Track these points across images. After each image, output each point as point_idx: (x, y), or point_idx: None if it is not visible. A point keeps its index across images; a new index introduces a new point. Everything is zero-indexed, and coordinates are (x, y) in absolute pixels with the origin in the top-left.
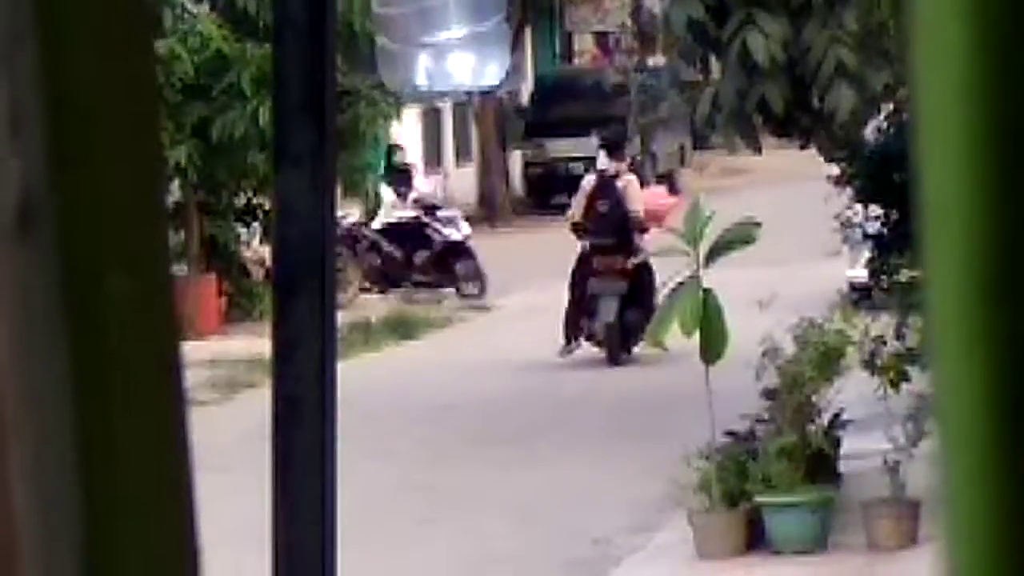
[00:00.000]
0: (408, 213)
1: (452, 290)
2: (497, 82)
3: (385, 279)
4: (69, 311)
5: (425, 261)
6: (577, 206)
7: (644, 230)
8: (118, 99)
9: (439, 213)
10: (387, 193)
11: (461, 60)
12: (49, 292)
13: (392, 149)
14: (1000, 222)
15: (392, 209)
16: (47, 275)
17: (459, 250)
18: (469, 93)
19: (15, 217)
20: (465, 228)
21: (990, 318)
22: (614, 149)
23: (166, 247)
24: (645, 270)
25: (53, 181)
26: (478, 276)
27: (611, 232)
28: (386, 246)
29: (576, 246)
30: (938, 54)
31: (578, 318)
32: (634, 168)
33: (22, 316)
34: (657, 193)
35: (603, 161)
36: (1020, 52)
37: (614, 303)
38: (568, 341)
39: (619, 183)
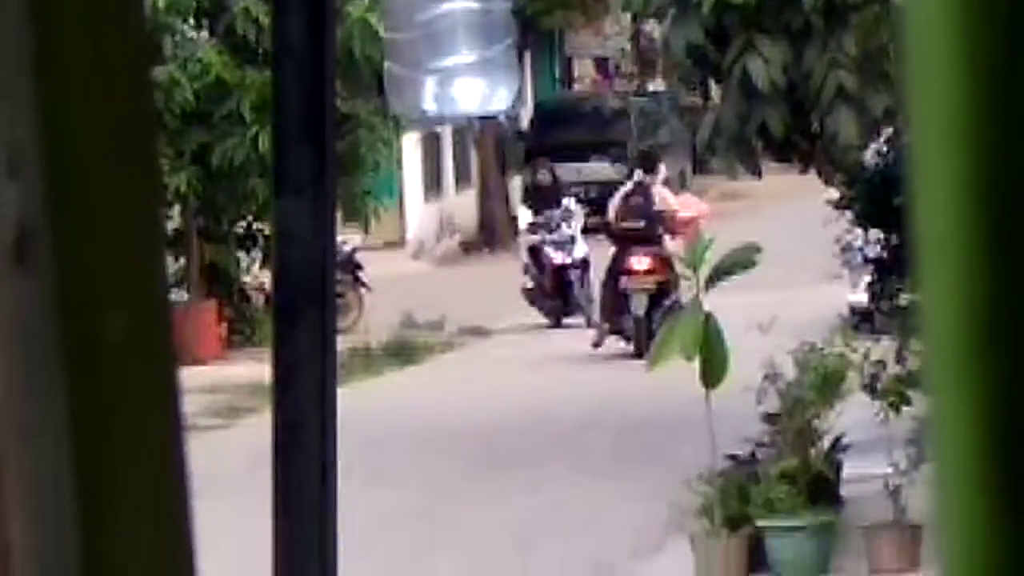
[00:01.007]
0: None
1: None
2: (506, 107)
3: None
4: (66, 345)
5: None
6: (612, 209)
7: (673, 232)
8: (115, 136)
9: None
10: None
11: (469, 85)
12: (46, 326)
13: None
14: (994, 258)
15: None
16: (44, 309)
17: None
18: (470, 118)
19: (12, 252)
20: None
21: (984, 354)
22: (648, 165)
23: (163, 280)
24: (671, 269)
25: (50, 216)
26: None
27: (642, 225)
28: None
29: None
30: (931, 91)
31: (610, 314)
32: (667, 183)
33: (19, 350)
34: (690, 200)
35: (638, 175)
36: (1013, 90)
37: (643, 299)
38: (599, 340)
39: (653, 189)
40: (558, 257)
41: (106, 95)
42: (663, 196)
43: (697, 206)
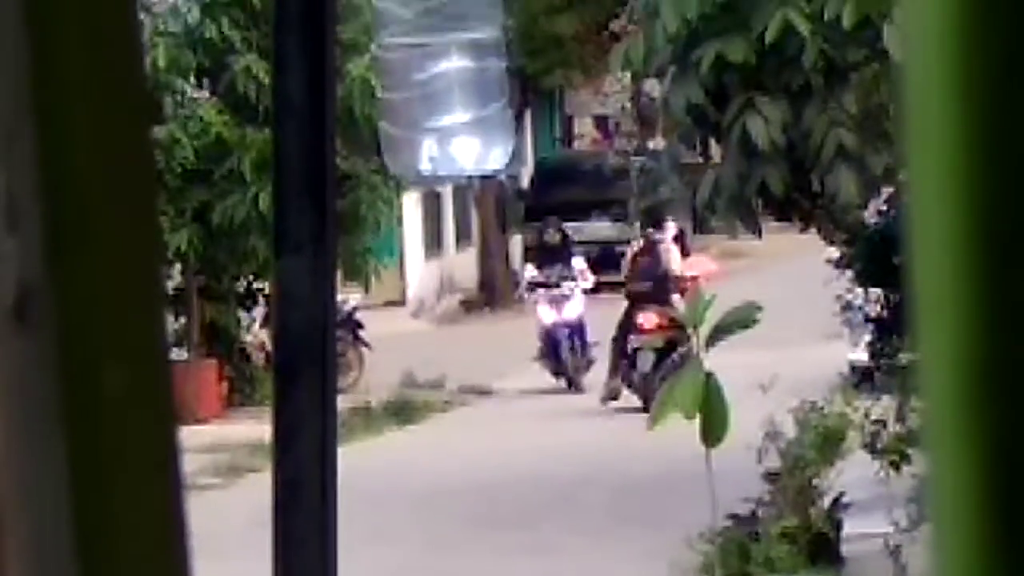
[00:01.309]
0: None
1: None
2: (501, 167)
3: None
4: (66, 402)
5: None
6: (624, 268)
7: (682, 291)
8: (115, 191)
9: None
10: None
11: (465, 145)
12: (46, 384)
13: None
14: (992, 314)
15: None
16: (44, 366)
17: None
18: (470, 177)
19: (12, 307)
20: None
21: (983, 410)
22: (657, 222)
23: (164, 337)
24: (680, 327)
25: (50, 272)
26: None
27: (650, 286)
28: None
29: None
30: (929, 148)
31: (617, 370)
32: (677, 239)
33: (19, 407)
34: (699, 261)
35: (646, 233)
36: (1010, 149)
37: (650, 356)
38: (611, 396)
39: (661, 248)
40: (548, 316)
41: (107, 148)
42: (671, 257)
43: (706, 266)
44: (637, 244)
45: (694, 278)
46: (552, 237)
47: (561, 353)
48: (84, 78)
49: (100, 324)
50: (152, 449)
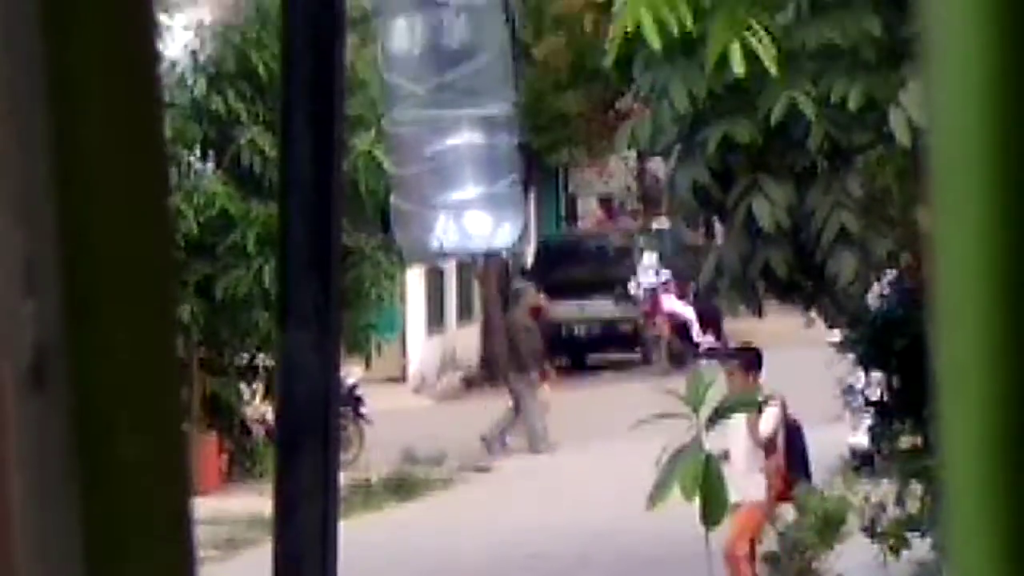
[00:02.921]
0: None
1: None
2: (512, 243)
3: None
4: (81, 466)
5: None
6: None
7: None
8: (134, 258)
9: None
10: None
11: (476, 221)
12: (62, 446)
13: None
14: (1018, 387)
15: None
16: (60, 429)
17: None
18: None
19: (30, 370)
20: None
21: (1007, 484)
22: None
23: (179, 405)
24: None
25: (68, 336)
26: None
27: None
28: None
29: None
30: (957, 224)
31: None
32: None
33: (34, 469)
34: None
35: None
36: None
37: None
38: None
39: None
40: None
41: (128, 216)
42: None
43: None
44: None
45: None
46: None
47: None
48: (106, 145)
49: (116, 389)
50: (166, 516)
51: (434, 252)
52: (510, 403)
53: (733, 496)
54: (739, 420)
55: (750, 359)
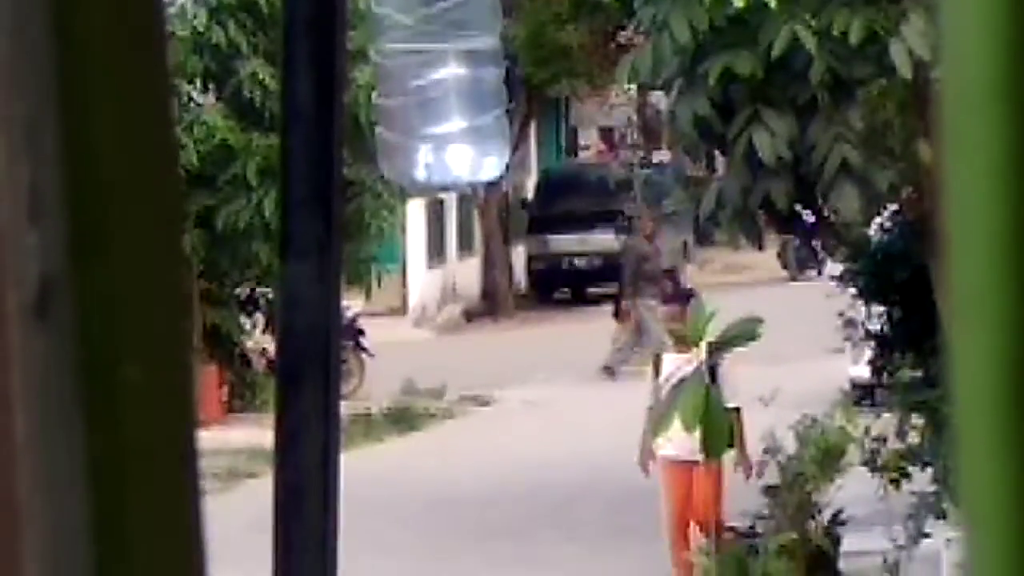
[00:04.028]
0: None
1: None
2: (496, 176)
3: None
4: (85, 396)
5: None
6: None
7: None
8: (139, 186)
9: None
10: None
11: (460, 153)
12: (65, 377)
13: None
14: None
15: None
16: (64, 360)
17: None
18: (473, 186)
19: (34, 301)
20: None
21: (1020, 411)
22: None
23: (186, 333)
24: None
25: (72, 266)
26: None
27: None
28: None
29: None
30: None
31: None
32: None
33: (38, 400)
34: None
35: None
36: None
37: None
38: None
39: None
40: None
41: (132, 143)
42: None
43: None
44: None
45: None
46: None
47: None
48: (109, 73)
49: (122, 319)
50: (170, 446)
51: (419, 183)
52: (631, 327)
53: (683, 453)
54: (682, 369)
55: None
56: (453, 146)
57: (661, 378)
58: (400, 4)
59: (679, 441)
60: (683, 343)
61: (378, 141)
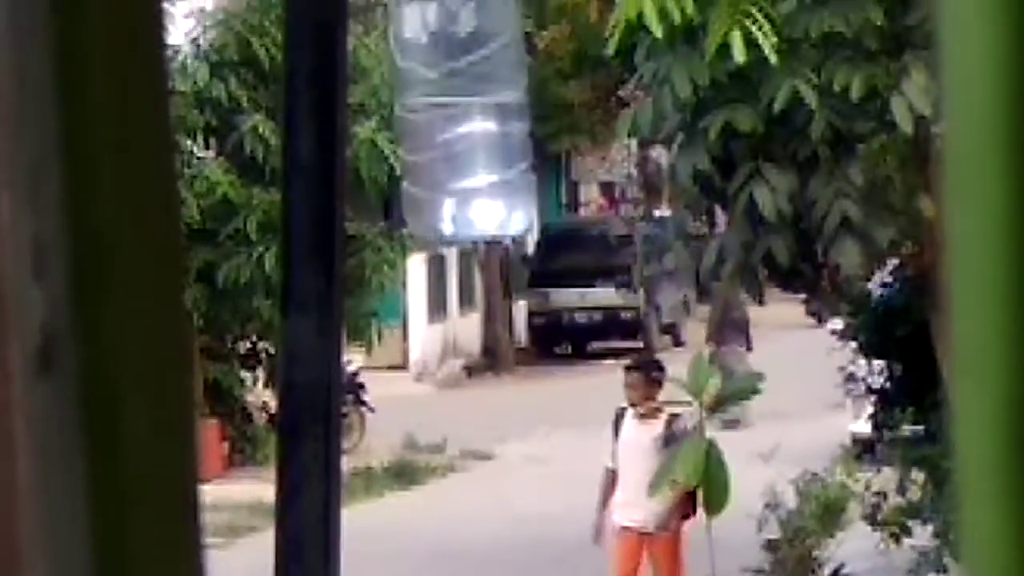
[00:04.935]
0: None
1: None
2: (523, 230)
3: None
4: (88, 446)
5: None
6: None
7: None
8: (142, 238)
9: None
10: None
11: (487, 208)
12: (68, 427)
13: None
14: None
15: None
16: (67, 410)
17: None
18: (475, 241)
19: (37, 352)
20: None
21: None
22: None
23: (188, 385)
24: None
25: (75, 317)
26: None
27: None
28: None
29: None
30: (971, 209)
31: None
32: None
33: (41, 451)
34: None
35: None
36: None
37: None
38: None
39: None
40: None
41: (135, 195)
42: None
43: None
44: None
45: None
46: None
47: None
48: (113, 126)
49: (125, 373)
50: (173, 497)
51: (445, 238)
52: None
53: (635, 521)
54: (639, 437)
55: (654, 370)
56: (479, 200)
57: (619, 443)
58: (425, 58)
59: (635, 506)
60: (646, 414)
61: (403, 196)
